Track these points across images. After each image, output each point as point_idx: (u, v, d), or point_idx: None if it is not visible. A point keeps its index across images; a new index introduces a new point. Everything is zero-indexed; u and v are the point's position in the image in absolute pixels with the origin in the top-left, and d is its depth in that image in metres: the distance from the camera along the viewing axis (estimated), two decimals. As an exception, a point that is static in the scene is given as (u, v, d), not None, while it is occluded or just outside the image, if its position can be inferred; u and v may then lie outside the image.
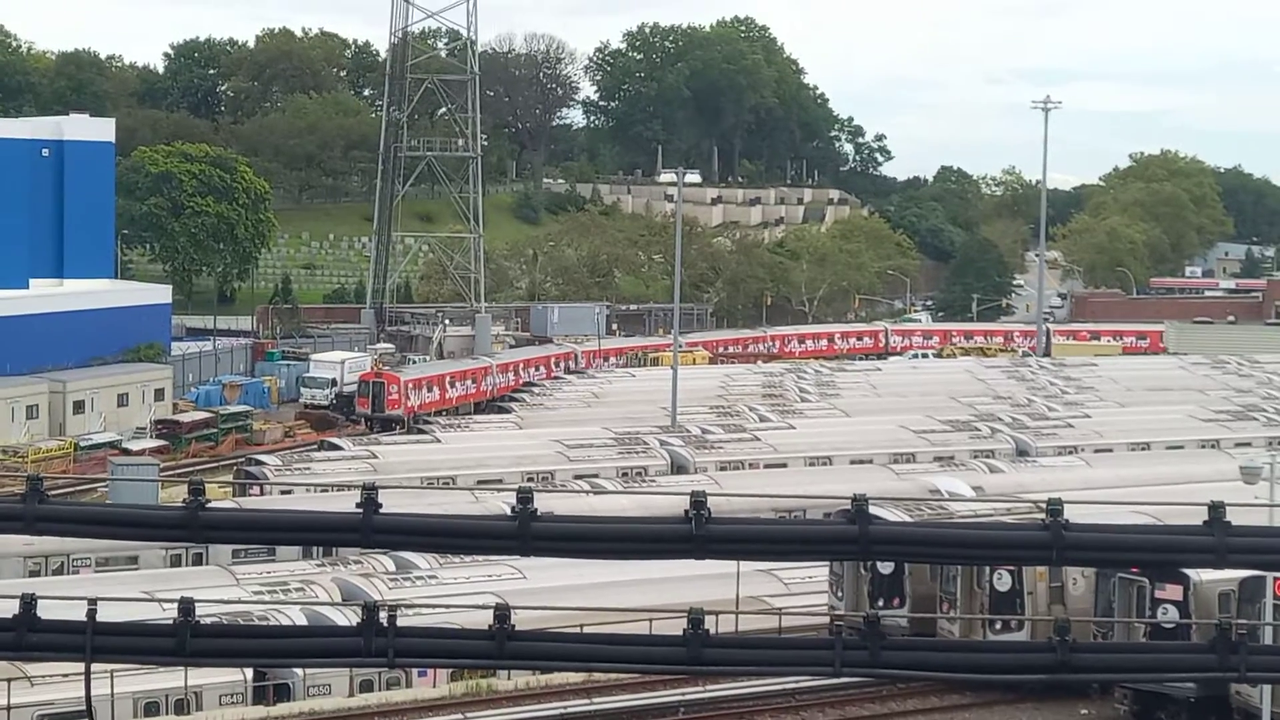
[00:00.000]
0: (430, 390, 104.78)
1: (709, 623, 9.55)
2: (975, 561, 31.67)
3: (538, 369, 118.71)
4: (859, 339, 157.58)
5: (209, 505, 9.37)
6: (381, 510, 9.38)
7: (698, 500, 9.29)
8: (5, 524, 9.52)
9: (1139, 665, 10.25)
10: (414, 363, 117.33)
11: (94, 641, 9.39)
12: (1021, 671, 9.75)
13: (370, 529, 9.34)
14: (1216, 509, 9.29)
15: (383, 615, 9.48)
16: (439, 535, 9.86)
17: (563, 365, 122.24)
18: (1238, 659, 9.44)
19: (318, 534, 9.70)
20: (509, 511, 9.29)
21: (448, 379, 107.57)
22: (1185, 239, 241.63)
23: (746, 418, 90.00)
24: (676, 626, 9.60)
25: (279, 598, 44.64)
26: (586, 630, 12.01)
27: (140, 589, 42.24)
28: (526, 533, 9.26)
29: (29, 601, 9.38)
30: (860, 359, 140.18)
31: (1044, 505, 9.34)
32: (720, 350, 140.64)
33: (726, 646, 9.78)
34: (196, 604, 9.58)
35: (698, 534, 9.26)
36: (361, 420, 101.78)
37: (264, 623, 34.84)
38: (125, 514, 9.71)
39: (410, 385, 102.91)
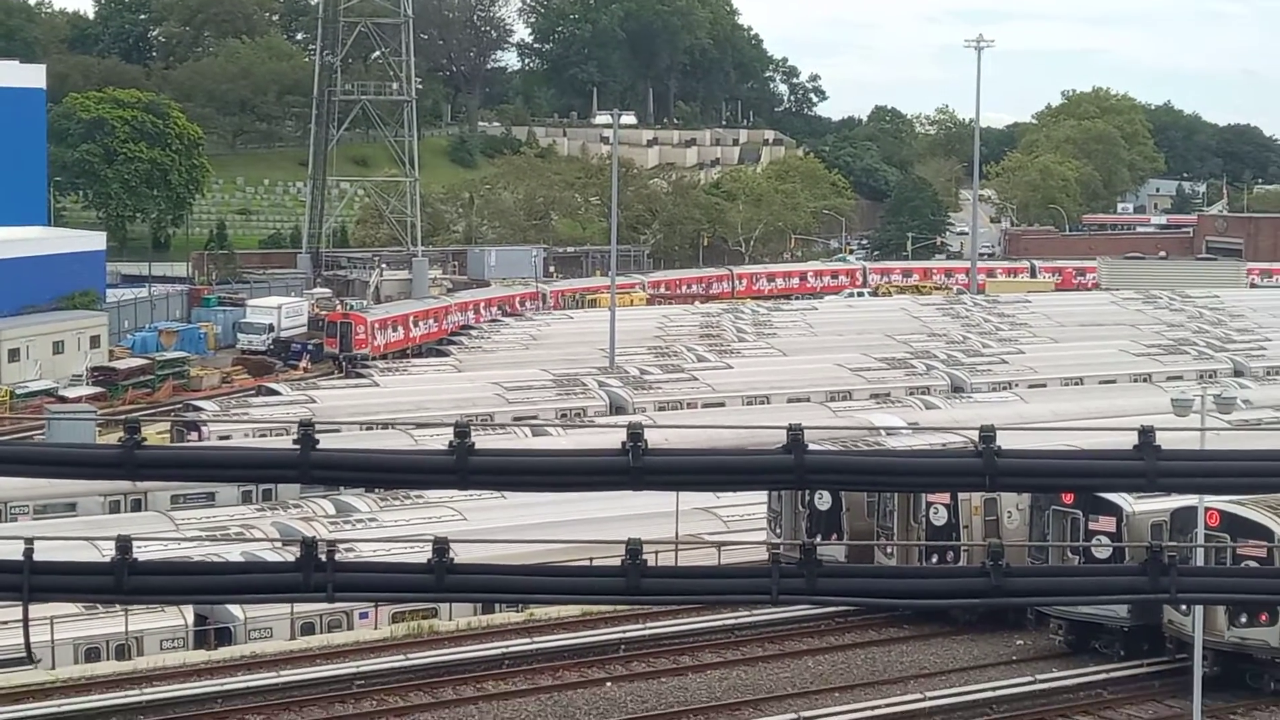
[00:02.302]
0: (395, 330, 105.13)
1: (650, 561, 9.58)
2: (910, 489, 31.86)
3: (500, 308, 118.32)
4: (834, 277, 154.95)
5: (145, 444, 9.34)
6: (319, 447, 9.36)
7: (634, 432, 9.32)
8: (-61, 465, 9.46)
9: (1071, 588, 10.35)
10: (351, 308, 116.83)
11: (31, 580, 9.33)
12: (956, 596, 9.83)
13: (308, 465, 9.31)
14: (1146, 433, 9.41)
15: (322, 553, 9.49)
16: (377, 470, 9.85)
17: (527, 305, 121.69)
18: (1168, 580, 9.54)
19: (255, 470, 9.58)
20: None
21: (412, 319, 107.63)
22: (1117, 176, 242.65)
23: (684, 358, 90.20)
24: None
25: (218, 541, 44.47)
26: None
27: (78, 534, 42.02)
28: (465, 466, 9.26)
29: (-34, 542, 9.34)
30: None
31: (977, 434, 9.42)
32: (682, 290, 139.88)
33: (665, 576, 9.83)
34: (134, 547, 9.53)
35: (634, 465, 9.27)
36: (308, 358, 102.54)
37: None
38: (60, 453, 9.65)
39: (376, 325, 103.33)
